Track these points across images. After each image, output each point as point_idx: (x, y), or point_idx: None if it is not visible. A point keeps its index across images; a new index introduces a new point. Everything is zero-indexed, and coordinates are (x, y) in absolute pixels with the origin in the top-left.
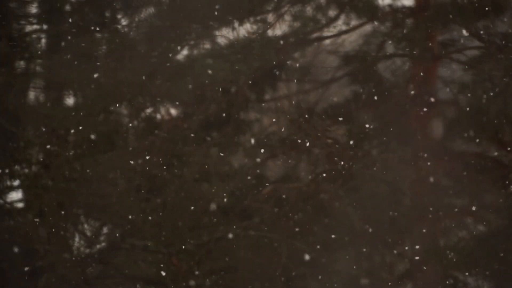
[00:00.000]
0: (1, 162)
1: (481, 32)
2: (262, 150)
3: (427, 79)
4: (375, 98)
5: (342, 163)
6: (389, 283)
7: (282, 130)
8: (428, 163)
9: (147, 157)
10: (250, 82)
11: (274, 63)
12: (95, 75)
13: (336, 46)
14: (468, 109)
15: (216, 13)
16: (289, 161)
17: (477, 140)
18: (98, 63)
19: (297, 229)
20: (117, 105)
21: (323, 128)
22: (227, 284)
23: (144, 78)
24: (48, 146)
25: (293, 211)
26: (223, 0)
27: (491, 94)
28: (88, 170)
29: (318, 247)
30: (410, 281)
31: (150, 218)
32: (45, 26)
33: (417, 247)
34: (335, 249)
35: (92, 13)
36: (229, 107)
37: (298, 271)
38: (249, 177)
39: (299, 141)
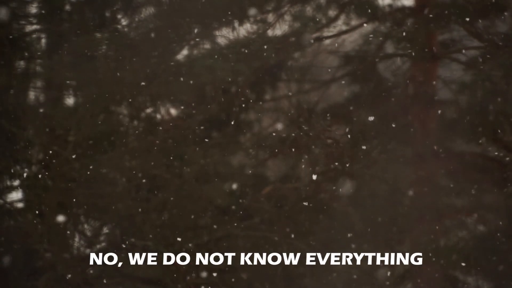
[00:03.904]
0: (1, 162)
1: (481, 32)
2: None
3: (427, 79)
4: (375, 98)
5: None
6: (389, 283)
7: (282, 130)
8: (428, 163)
9: (147, 157)
10: (250, 81)
11: (274, 63)
12: (95, 75)
13: (336, 46)
14: (468, 109)
15: (216, 13)
16: (289, 161)
17: (477, 140)
18: (98, 63)
19: (297, 229)
20: (117, 105)
21: (323, 128)
22: (227, 284)
23: (144, 78)
24: (48, 146)
25: (293, 211)
26: (223, 0)
27: (491, 94)
28: (88, 170)
29: (318, 247)
30: (410, 281)
31: (150, 218)
32: (45, 26)
33: (417, 247)
34: (335, 249)
35: (92, 13)
36: (229, 107)
37: (298, 271)
38: (249, 177)
39: (299, 141)
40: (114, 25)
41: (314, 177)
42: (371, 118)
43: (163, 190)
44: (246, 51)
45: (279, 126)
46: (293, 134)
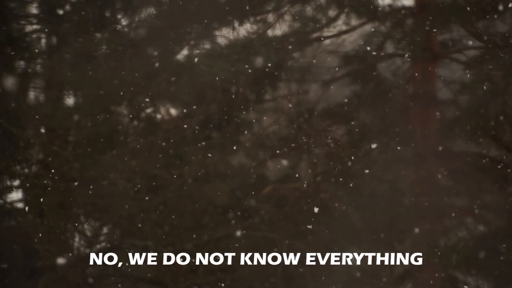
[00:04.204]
0: (1, 162)
1: (481, 32)
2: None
3: (427, 79)
4: (375, 98)
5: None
6: (389, 283)
7: (282, 130)
8: (428, 163)
9: (147, 157)
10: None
11: (274, 63)
12: (95, 75)
13: (336, 46)
14: (468, 109)
15: (216, 13)
16: (289, 161)
17: (477, 140)
18: (98, 63)
19: (297, 229)
20: (117, 105)
21: (323, 128)
22: (227, 284)
23: (144, 78)
24: (48, 146)
25: (293, 211)
26: (223, 0)
27: (491, 94)
28: (88, 170)
29: (318, 247)
30: (410, 281)
31: (150, 218)
32: (45, 26)
33: (417, 247)
34: (335, 249)
35: (92, 13)
36: (229, 107)
37: (298, 271)
38: (248, 177)
39: (299, 141)
40: (114, 25)
41: (316, 210)
42: (373, 146)
43: (163, 190)
44: (246, 51)
45: (279, 126)
46: (293, 134)
